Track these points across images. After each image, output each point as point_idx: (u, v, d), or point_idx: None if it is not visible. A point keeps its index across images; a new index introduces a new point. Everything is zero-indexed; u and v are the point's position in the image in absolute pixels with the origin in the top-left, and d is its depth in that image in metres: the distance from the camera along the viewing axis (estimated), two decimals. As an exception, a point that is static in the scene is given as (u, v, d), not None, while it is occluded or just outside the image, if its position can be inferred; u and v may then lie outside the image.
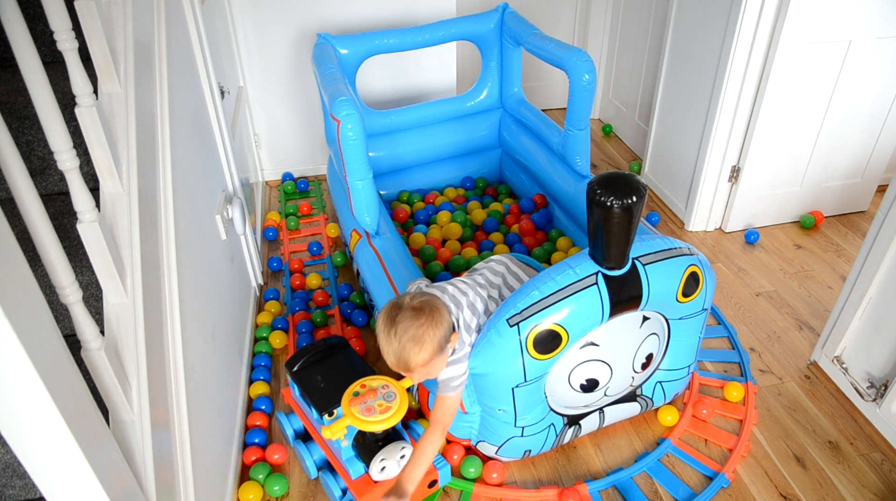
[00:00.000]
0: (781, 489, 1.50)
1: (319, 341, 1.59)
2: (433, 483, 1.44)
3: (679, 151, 2.53)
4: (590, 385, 1.40)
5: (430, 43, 2.22)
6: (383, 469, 1.37)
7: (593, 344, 1.35)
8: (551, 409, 1.44)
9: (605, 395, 1.45)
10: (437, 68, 2.83)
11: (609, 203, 1.14)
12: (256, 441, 1.60)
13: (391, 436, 1.40)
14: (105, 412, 0.95)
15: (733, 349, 1.90)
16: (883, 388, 1.61)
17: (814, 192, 2.47)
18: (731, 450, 1.58)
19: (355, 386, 1.34)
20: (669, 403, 1.69)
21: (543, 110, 3.59)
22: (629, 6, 3.05)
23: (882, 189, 2.67)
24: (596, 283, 1.25)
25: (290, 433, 1.57)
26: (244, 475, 1.54)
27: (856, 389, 1.70)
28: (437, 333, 1.19)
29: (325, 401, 1.43)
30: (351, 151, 1.71)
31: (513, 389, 1.31)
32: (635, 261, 1.28)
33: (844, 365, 1.75)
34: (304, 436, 1.59)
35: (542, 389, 1.38)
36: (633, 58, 3.08)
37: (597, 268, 1.26)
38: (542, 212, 2.32)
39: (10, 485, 0.95)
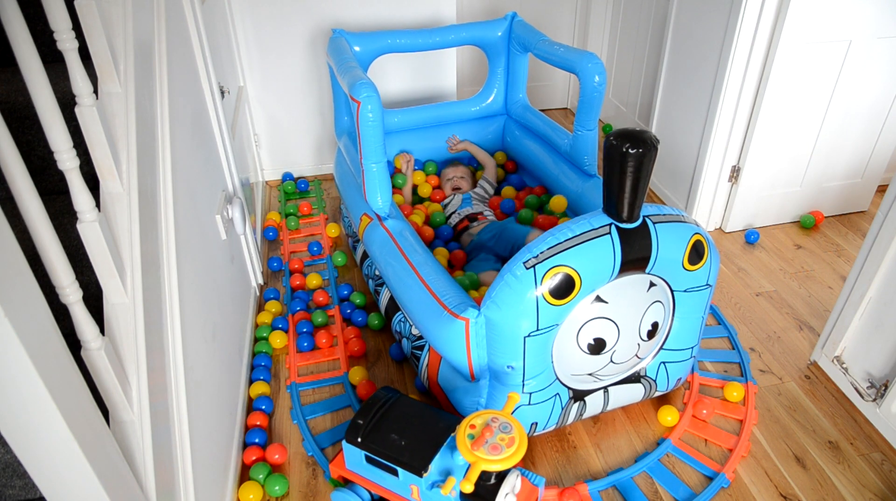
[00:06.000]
0: (781, 489, 1.50)
1: (368, 401, 1.43)
2: None
3: (679, 151, 2.53)
4: (597, 346, 1.42)
5: (441, 45, 2.25)
6: None
7: (602, 301, 1.39)
8: (557, 379, 1.46)
9: (612, 361, 1.46)
10: (439, 73, 2.84)
11: (624, 150, 1.23)
12: (256, 440, 1.60)
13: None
14: (105, 412, 0.95)
15: (733, 349, 1.90)
16: (883, 388, 1.61)
17: (814, 192, 2.47)
18: (731, 450, 1.58)
19: (464, 430, 1.24)
20: (671, 399, 1.69)
21: (545, 110, 3.61)
22: (629, 6, 3.05)
23: (882, 189, 2.67)
24: (609, 233, 1.32)
25: None
26: (244, 475, 1.54)
27: (856, 389, 1.70)
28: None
29: (418, 458, 1.30)
30: (368, 132, 1.75)
31: (524, 338, 1.34)
32: (646, 218, 1.36)
33: (844, 365, 1.75)
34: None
35: (551, 347, 1.40)
36: (633, 58, 3.08)
37: (610, 220, 1.34)
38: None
39: (10, 485, 0.95)
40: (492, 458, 1.20)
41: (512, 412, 1.37)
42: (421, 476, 1.29)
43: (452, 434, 1.36)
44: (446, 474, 1.32)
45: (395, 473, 1.33)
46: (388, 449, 1.33)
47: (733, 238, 2.45)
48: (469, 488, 1.18)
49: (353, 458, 1.40)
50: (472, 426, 1.26)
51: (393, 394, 1.45)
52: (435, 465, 1.31)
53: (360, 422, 1.37)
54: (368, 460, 1.36)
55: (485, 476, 1.28)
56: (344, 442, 1.38)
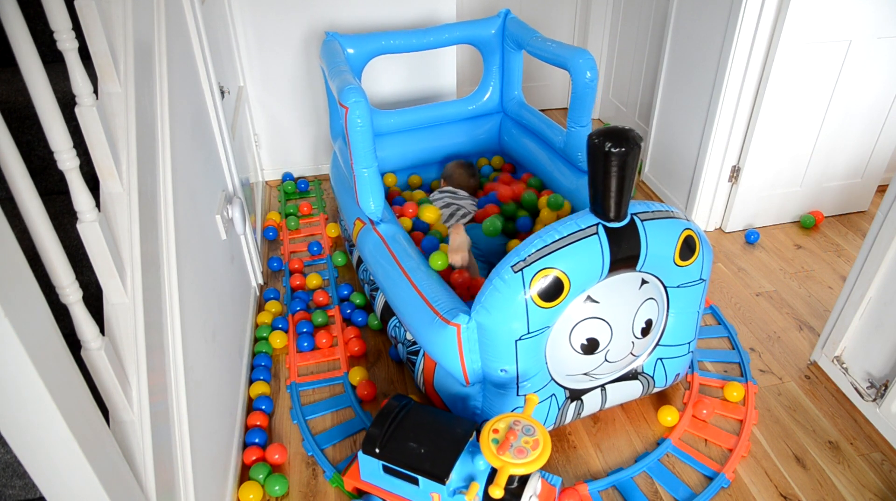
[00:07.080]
0: (781, 489, 1.50)
1: (381, 411, 1.40)
2: None
3: (679, 151, 2.53)
4: (591, 346, 1.42)
5: (435, 45, 2.25)
6: None
7: (594, 301, 1.38)
8: (553, 380, 1.46)
9: (606, 360, 1.46)
10: (439, 72, 2.84)
11: (607, 149, 1.22)
12: (256, 440, 1.60)
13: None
14: (105, 412, 0.95)
15: (733, 349, 1.90)
16: (883, 388, 1.61)
17: (814, 192, 2.47)
18: (731, 450, 1.58)
19: (488, 435, 1.25)
20: (671, 399, 1.69)
21: (542, 110, 3.61)
22: (629, 6, 3.05)
23: (882, 189, 2.67)
24: (597, 233, 1.31)
25: None
26: (244, 475, 1.54)
27: (856, 389, 1.70)
28: None
29: (439, 465, 1.28)
30: (358, 138, 1.75)
31: (516, 342, 1.33)
32: (634, 217, 1.35)
33: (844, 365, 1.75)
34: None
35: (544, 348, 1.39)
36: (633, 58, 3.08)
37: (597, 220, 1.33)
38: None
39: (10, 485, 0.95)
40: (519, 461, 1.20)
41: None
42: (443, 483, 1.27)
43: (471, 440, 1.35)
44: (468, 480, 1.31)
45: (415, 482, 1.32)
46: (408, 458, 1.32)
47: (733, 238, 2.45)
48: (500, 493, 1.18)
49: (369, 469, 1.38)
50: (496, 431, 1.26)
51: (406, 402, 1.44)
52: (456, 472, 1.30)
53: (377, 432, 1.36)
54: (386, 470, 1.35)
55: (508, 479, 1.27)
56: (360, 453, 1.36)
